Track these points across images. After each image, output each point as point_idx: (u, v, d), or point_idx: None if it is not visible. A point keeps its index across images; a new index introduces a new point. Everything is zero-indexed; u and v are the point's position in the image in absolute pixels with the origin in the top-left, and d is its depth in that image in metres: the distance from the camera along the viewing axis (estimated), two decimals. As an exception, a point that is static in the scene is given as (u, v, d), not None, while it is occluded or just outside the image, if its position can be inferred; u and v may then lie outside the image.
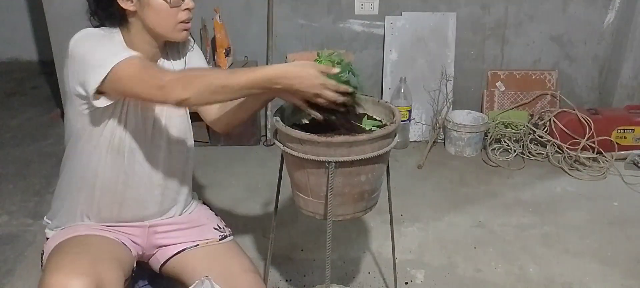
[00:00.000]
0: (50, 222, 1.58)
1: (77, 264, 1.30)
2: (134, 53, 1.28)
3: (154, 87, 1.21)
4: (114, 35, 1.39)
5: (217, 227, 1.68)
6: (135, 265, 1.56)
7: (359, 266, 2.03)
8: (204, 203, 1.81)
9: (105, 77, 1.23)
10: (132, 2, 1.34)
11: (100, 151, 1.43)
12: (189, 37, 1.52)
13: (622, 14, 3.04)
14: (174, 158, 1.56)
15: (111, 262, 1.37)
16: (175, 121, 1.53)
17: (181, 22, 1.39)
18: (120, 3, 1.34)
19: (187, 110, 1.58)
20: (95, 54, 1.27)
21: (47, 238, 1.54)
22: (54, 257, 1.38)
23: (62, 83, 3.01)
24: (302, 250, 2.12)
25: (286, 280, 1.95)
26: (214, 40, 2.88)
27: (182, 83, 1.19)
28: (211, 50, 2.91)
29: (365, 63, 3.12)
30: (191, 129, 1.62)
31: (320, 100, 1.23)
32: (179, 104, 1.21)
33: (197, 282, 1.43)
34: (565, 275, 1.99)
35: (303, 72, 1.19)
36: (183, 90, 1.18)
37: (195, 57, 1.58)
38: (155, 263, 1.63)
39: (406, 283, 1.94)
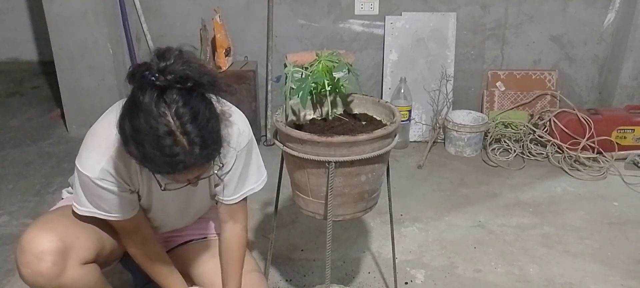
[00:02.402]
0: (69, 186, 1.58)
1: (49, 224, 1.33)
2: (122, 215, 1.33)
3: (124, 240, 1.43)
4: (125, 158, 1.23)
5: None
6: (123, 253, 1.54)
7: (359, 266, 2.03)
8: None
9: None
10: None
11: None
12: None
13: (622, 15, 3.04)
14: (194, 208, 1.57)
15: (88, 232, 1.37)
16: (196, 200, 1.51)
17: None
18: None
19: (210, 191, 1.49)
20: (99, 201, 1.31)
21: (62, 199, 1.56)
22: (43, 215, 1.42)
23: (62, 83, 3.03)
24: (302, 250, 2.12)
25: (286, 280, 1.95)
26: (214, 40, 2.88)
27: (137, 258, 1.45)
28: (211, 50, 2.91)
29: (365, 63, 3.12)
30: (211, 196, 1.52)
31: None
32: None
33: None
34: (565, 275, 1.99)
35: None
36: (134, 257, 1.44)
37: (230, 153, 1.35)
38: None
39: (406, 283, 1.94)
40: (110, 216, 1.33)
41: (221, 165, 1.29)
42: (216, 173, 1.31)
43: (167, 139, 1.02)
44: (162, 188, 1.22)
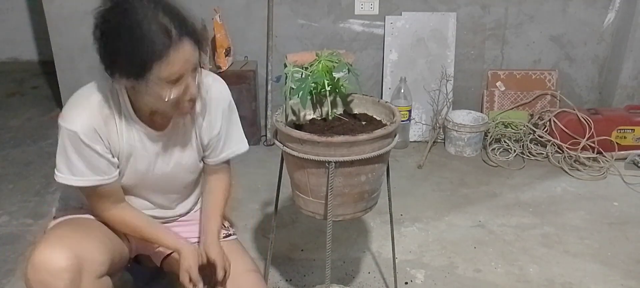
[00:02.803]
0: (59, 202, 1.59)
1: (63, 240, 1.31)
2: (101, 179, 1.36)
3: (97, 211, 1.45)
4: (107, 112, 1.34)
5: (222, 225, 1.68)
6: (131, 257, 1.55)
7: (359, 266, 2.03)
8: None
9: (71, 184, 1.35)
10: (128, 81, 1.27)
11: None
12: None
13: (622, 14, 3.04)
14: (182, 179, 1.57)
15: (100, 243, 1.37)
16: (181, 164, 1.51)
17: (182, 106, 1.33)
18: (114, 84, 1.31)
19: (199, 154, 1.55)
20: (77, 161, 1.33)
21: (54, 218, 1.55)
22: (47, 232, 1.41)
23: (62, 83, 3.04)
24: (302, 250, 2.12)
25: (286, 280, 1.95)
26: (214, 40, 2.88)
27: (117, 225, 1.45)
28: (211, 51, 2.91)
29: (365, 63, 3.12)
30: (200, 160, 1.57)
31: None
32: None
33: None
34: (565, 275, 1.99)
35: (185, 253, 1.44)
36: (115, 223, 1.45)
37: (216, 112, 1.48)
38: (158, 257, 1.63)
39: (406, 283, 1.94)
40: (86, 179, 1.34)
41: (202, 65, 1.39)
42: (199, 138, 1.48)
43: (146, 19, 1.19)
44: (166, 98, 1.26)
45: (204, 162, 1.57)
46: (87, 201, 1.45)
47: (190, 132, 1.48)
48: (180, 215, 1.65)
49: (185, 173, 1.54)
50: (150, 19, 1.19)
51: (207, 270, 1.47)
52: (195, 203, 1.69)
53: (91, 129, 1.31)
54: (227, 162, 1.59)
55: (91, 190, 1.38)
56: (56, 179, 1.36)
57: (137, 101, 1.35)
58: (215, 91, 1.47)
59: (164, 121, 1.42)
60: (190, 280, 1.42)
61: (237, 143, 1.57)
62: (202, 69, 1.35)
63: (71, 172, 1.34)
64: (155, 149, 1.44)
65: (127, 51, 1.20)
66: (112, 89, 1.36)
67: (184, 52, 1.23)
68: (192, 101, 1.34)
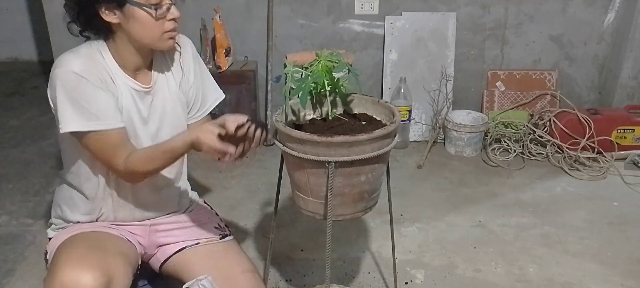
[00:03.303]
0: (52, 223, 1.59)
1: (86, 258, 1.31)
2: (113, 122, 1.35)
3: (112, 165, 1.39)
4: (96, 62, 1.37)
5: (218, 226, 1.68)
6: (140, 262, 1.56)
7: (359, 266, 2.03)
8: (205, 202, 1.81)
9: (78, 132, 1.33)
10: (116, 14, 1.33)
11: (94, 160, 1.44)
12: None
13: (621, 14, 3.04)
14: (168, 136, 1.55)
15: (119, 256, 1.38)
16: (170, 122, 1.53)
17: (167, 32, 1.38)
18: (103, 17, 1.33)
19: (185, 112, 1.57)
20: (80, 105, 1.31)
21: (50, 239, 1.54)
22: (62, 252, 1.38)
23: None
24: (302, 250, 2.12)
25: (286, 280, 1.95)
26: (214, 40, 2.88)
27: (139, 167, 1.37)
28: (211, 50, 2.91)
29: (365, 63, 3.12)
30: (185, 118, 1.59)
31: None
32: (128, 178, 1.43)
33: (196, 279, 1.44)
34: (565, 275, 1.99)
35: (203, 137, 1.30)
36: (132, 175, 1.40)
37: (188, 59, 1.56)
38: (156, 262, 1.63)
39: (406, 283, 1.94)
40: (98, 124, 1.33)
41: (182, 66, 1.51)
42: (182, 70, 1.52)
43: None
44: (155, 19, 1.32)
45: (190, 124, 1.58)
46: (99, 160, 1.41)
47: (173, 86, 1.51)
48: (176, 214, 1.65)
49: (172, 130, 1.52)
50: None
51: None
52: (188, 203, 1.69)
53: (85, 66, 1.34)
54: (210, 116, 1.62)
55: (104, 138, 1.35)
56: (65, 129, 1.32)
57: (120, 57, 1.39)
58: (181, 39, 1.53)
59: (146, 78, 1.46)
60: (219, 157, 1.33)
61: (216, 91, 1.64)
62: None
63: (85, 117, 1.32)
64: (144, 106, 1.46)
65: None
66: (95, 47, 1.39)
67: None
68: (175, 23, 1.38)
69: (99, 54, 1.39)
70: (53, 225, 1.58)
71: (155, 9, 1.33)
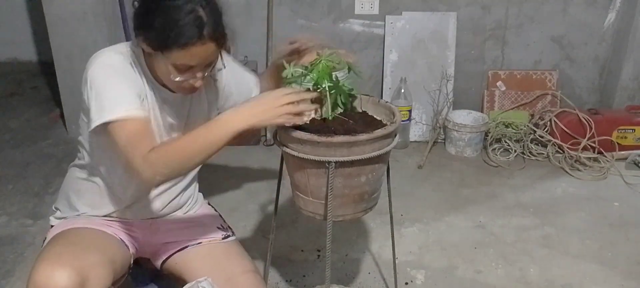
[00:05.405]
0: (56, 211, 1.59)
1: (63, 256, 1.30)
2: (139, 111, 1.29)
3: (133, 160, 1.25)
4: (132, 65, 1.37)
5: (221, 227, 1.68)
6: (132, 263, 1.55)
7: (359, 267, 2.03)
8: (209, 204, 1.80)
9: (107, 122, 1.26)
10: (145, 48, 1.32)
11: (110, 156, 1.43)
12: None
13: (622, 15, 3.03)
14: None
15: (101, 257, 1.36)
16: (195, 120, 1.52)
17: (184, 89, 1.36)
18: (136, 44, 1.34)
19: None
20: (108, 94, 1.29)
21: (51, 226, 1.55)
22: (46, 247, 1.40)
23: (62, 83, 3.03)
24: (302, 251, 2.11)
25: (286, 281, 1.94)
26: (213, 40, 2.87)
27: (162, 156, 1.25)
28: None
29: (365, 63, 3.12)
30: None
31: (295, 117, 1.24)
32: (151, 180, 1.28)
33: (196, 281, 1.43)
34: (566, 276, 1.98)
35: (261, 106, 1.24)
36: (155, 172, 1.25)
37: (224, 80, 1.57)
38: (157, 259, 1.62)
39: (406, 284, 1.93)
40: (121, 111, 1.26)
41: (223, 66, 1.49)
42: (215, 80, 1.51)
43: (188, 6, 1.24)
44: (172, 78, 1.30)
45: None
46: (123, 155, 1.29)
47: (204, 102, 1.53)
48: (179, 213, 1.64)
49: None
50: (189, 8, 1.24)
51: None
52: (193, 203, 1.69)
53: (123, 67, 1.34)
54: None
55: (128, 125, 1.27)
56: (104, 119, 1.26)
57: (151, 65, 1.38)
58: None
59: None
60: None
61: (250, 82, 1.66)
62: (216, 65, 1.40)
63: (120, 102, 1.27)
64: (171, 113, 1.46)
65: (157, 26, 1.24)
66: (134, 50, 1.38)
67: (205, 51, 1.28)
68: (195, 89, 1.37)
69: (134, 56, 1.38)
70: (58, 212, 1.58)
71: (182, 72, 1.30)
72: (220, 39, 1.30)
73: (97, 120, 1.27)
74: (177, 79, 1.31)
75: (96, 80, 1.30)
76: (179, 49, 1.25)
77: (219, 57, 1.37)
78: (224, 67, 1.52)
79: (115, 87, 1.30)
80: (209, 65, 1.34)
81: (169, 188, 1.57)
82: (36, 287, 1.24)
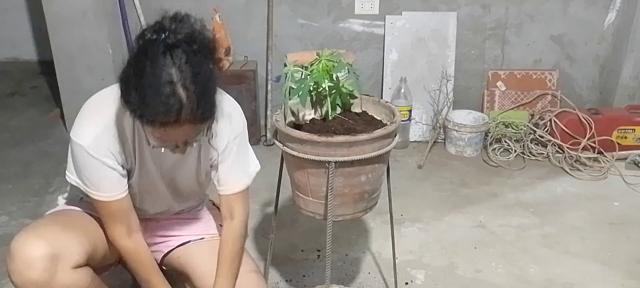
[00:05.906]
0: (65, 192, 1.60)
1: (39, 230, 1.33)
2: (111, 195, 1.34)
3: (113, 236, 1.41)
4: (117, 123, 1.31)
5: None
6: (118, 257, 1.53)
7: (359, 266, 2.03)
8: (213, 204, 1.80)
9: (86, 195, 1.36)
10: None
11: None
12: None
13: (622, 14, 3.03)
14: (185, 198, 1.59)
15: (78, 236, 1.36)
16: (185, 175, 1.49)
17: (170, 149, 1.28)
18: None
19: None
20: (89, 176, 1.34)
21: (57, 205, 1.57)
22: (35, 221, 1.43)
23: (62, 83, 3.03)
24: (302, 250, 2.11)
25: (286, 280, 1.94)
26: (213, 40, 2.87)
27: (124, 253, 1.42)
28: (211, 50, 2.90)
29: (365, 63, 3.12)
30: (207, 180, 1.56)
31: None
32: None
33: None
34: (566, 276, 1.98)
35: None
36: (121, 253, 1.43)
37: (221, 143, 1.42)
38: (158, 253, 1.62)
39: (406, 283, 1.93)
40: (97, 194, 1.34)
41: (212, 135, 1.35)
42: (209, 143, 1.39)
43: (167, 87, 1.11)
44: (151, 146, 1.28)
45: (219, 194, 1.50)
46: (104, 223, 1.42)
47: (194, 154, 1.44)
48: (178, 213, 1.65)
49: (187, 187, 1.52)
50: (168, 90, 1.11)
51: None
52: (196, 205, 1.69)
53: (100, 143, 1.29)
54: (242, 193, 1.51)
55: (103, 205, 1.37)
56: (67, 179, 1.39)
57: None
58: (227, 123, 1.38)
59: None
60: None
61: (239, 178, 1.50)
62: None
63: (82, 182, 1.36)
64: (163, 159, 1.40)
65: (135, 95, 1.14)
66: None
67: (181, 131, 1.18)
68: (181, 150, 1.29)
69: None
70: (66, 194, 1.59)
71: (156, 140, 1.24)
72: (200, 119, 1.18)
73: (78, 182, 1.36)
74: (158, 145, 1.26)
75: (78, 159, 1.32)
76: (153, 125, 1.16)
77: (205, 130, 1.26)
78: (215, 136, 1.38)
79: (97, 170, 1.31)
80: (188, 141, 1.26)
81: (174, 201, 1.58)
82: (11, 254, 1.27)
